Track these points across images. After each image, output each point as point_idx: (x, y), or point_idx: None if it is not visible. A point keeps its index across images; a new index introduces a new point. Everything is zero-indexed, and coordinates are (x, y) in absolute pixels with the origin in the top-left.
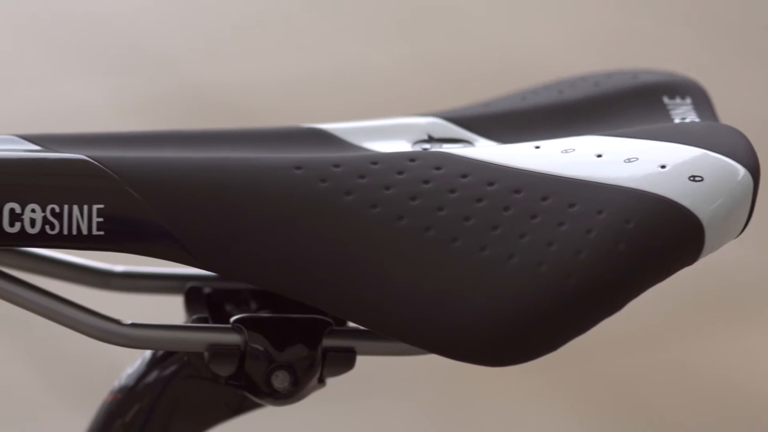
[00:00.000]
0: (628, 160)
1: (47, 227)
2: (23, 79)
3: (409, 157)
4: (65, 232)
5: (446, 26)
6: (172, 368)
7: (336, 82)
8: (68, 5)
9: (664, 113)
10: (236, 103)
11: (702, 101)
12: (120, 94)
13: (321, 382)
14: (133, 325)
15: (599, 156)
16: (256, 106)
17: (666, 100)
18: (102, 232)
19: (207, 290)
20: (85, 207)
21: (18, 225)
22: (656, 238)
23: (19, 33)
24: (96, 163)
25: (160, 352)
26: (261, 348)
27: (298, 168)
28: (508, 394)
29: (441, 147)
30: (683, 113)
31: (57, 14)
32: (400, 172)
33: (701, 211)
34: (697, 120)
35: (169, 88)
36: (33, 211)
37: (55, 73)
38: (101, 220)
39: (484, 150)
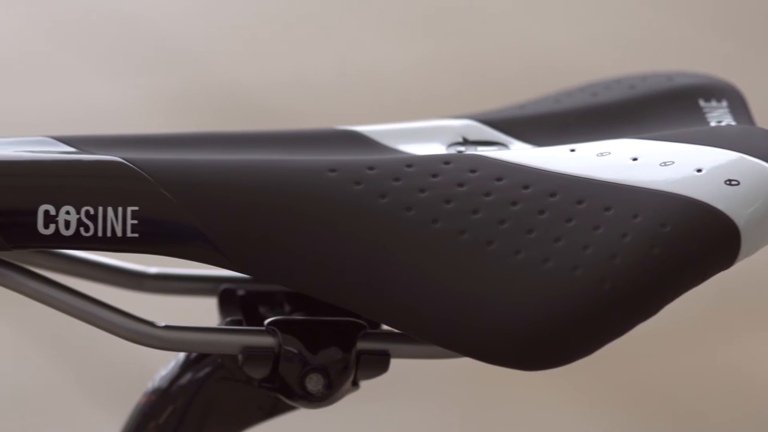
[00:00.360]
0: (664, 164)
1: (82, 229)
2: (54, 79)
3: (444, 159)
4: (100, 234)
5: (473, 26)
6: (206, 370)
7: (363, 83)
8: (99, 5)
9: (700, 116)
10: (264, 103)
11: (738, 104)
12: (150, 94)
13: (355, 384)
14: (167, 327)
15: (635, 159)
16: (285, 106)
17: (702, 103)
18: (136, 234)
19: (241, 292)
20: (120, 209)
21: (52, 227)
22: (692, 243)
23: (51, 33)
24: (130, 165)
25: (194, 354)
26: (295, 351)
27: (333, 170)
28: (534, 395)
29: (476, 150)
30: (719, 116)
31: (88, 15)
32: (435, 175)
33: (737, 215)
34: (733, 123)
35: (200, 88)
36: (68, 213)
37: (86, 73)
38: (135, 222)
39: (519, 153)
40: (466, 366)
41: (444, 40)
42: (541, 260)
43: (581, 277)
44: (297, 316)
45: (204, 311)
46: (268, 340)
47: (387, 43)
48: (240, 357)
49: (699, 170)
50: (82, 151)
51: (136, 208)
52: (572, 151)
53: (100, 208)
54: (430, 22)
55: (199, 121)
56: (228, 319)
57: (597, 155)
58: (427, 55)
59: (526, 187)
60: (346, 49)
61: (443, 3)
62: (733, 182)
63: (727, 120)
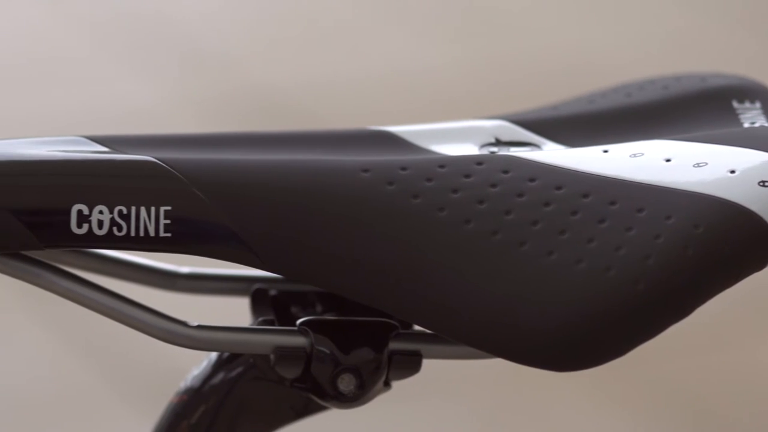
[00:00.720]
0: (697, 165)
1: (115, 229)
2: (88, 79)
3: (477, 160)
4: (132, 233)
5: (505, 27)
6: (238, 370)
7: (394, 84)
8: (132, 5)
9: (734, 117)
10: (297, 104)
11: None
12: (183, 94)
13: (387, 385)
14: (200, 327)
15: (668, 160)
16: (318, 106)
17: (735, 104)
18: (169, 234)
19: (273, 292)
20: (153, 209)
21: (86, 226)
22: (725, 244)
23: (84, 33)
24: (163, 164)
25: (226, 354)
26: (327, 351)
27: (366, 171)
28: (566, 396)
29: (508, 150)
30: (753, 117)
31: (121, 15)
32: (468, 176)
33: None
34: (766, 124)
35: (233, 88)
36: (101, 212)
37: (119, 73)
38: (168, 221)
39: (552, 153)
40: (495, 365)
41: (476, 40)
42: (573, 261)
43: (614, 278)
44: (329, 317)
45: (236, 311)
46: (300, 340)
47: (419, 44)
48: (272, 357)
49: (732, 171)
50: (115, 150)
51: (168, 207)
52: (605, 152)
53: (133, 208)
54: (461, 22)
55: (232, 122)
56: (260, 319)
57: (630, 156)
58: (459, 56)
59: (558, 188)
60: (377, 49)
61: (475, 3)
62: (766, 183)
63: (761, 121)
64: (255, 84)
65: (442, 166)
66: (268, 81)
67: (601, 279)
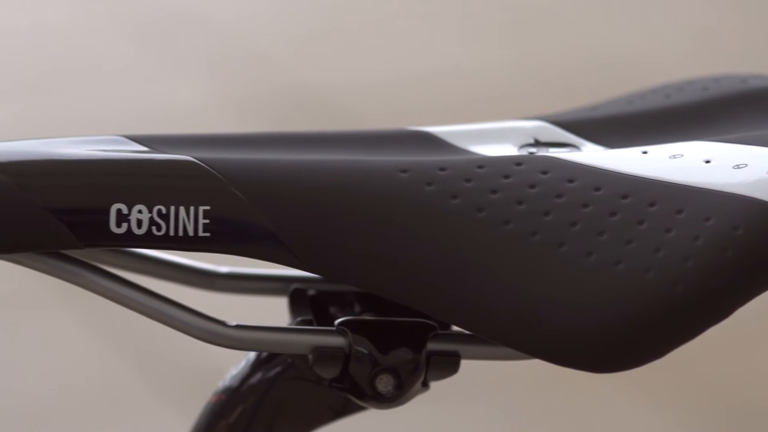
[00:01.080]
0: (737, 167)
1: (154, 228)
2: (127, 79)
3: (516, 161)
4: (171, 233)
5: (545, 28)
6: (277, 370)
7: (435, 84)
8: (172, 6)
9: None
10: (337, 104)
11: None
12: (222, 94)
13: (425, 385)
14: (238, 327)
15: (707, 162)
16: (357, 106)
17: None
18: (208, 234)
19: (311, 292)
20: (192, 208)
21: (125, 226)
22: (765, 246)
23: (123, 33)
24: (202, 164)
25: (265, 354)
26: (365, 351)
27: (404, 171)
28: (603, 397)
29: (547, 151)
30: None
31: (160, 14)
32: (507, 176)
33: None
34: None
35: (271, 88)
36: (140, 212)
37: (158, 73)
38: (207, 221)
39: (591, 155)
40: (532, 366)
41: (514, 40)
42: (612, 262)
43: (653, 280)
44: (367, 317)
45: (273, 311)
46: (338, 341)
47: (459, 45)
48: (310, 357)
49: None
50: (154, 150)
51: (207, 207)
52: (644, 153)
53: (172, 208)
54: (499, 21)
55: (270, 121)
56: (298, 319)
57: (669, 157)
58: (497, 56)
59: (597, 189)
60: (418, 50)
61: (516, 4)
62: None
63: None
64: (293, 83)
65: (480, 167)
66: (307, 80)
67: (639, 280)
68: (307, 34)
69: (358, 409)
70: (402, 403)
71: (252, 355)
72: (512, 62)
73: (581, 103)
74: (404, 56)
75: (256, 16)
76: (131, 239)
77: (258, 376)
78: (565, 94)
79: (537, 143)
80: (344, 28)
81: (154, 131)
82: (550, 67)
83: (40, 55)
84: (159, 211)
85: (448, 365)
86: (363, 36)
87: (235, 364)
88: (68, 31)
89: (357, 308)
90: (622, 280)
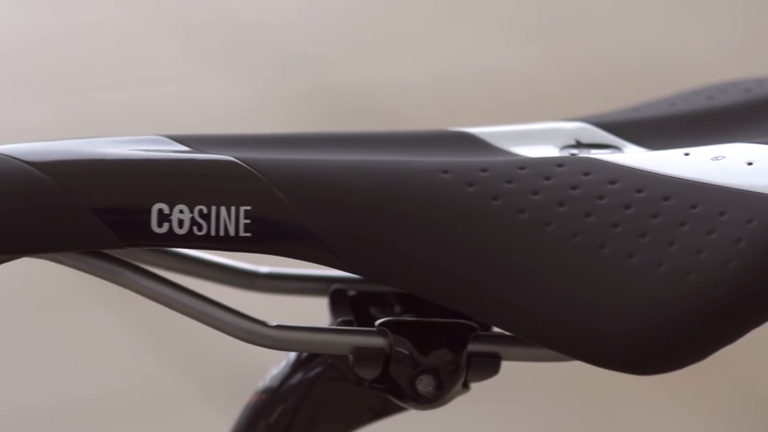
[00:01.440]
0: None
1: (195, 228)
2: (172, 79)
3: (557, 162)
4: (213, 233)
5: (585, 28)
6: (317, 370)
7: (476, 84)
8: (218, 6)
9: None
10: (380, 104)
11: None
12: (265, 95)
13: (465, 386)
14: (279, 327)
15: (750, 164)
16: (399, 106)
17: None
18: (249, 234)
19: (352, 293)
20: (233, 208)
21: (166, 225)
22: None
23: (170, 34)
24: (244, 164)
25: (305, 354)
26: (406, 352)
27: (446, 172)
28: (642, 399)
29: (589, 152)
30: None
31: (204, 16)
32: (548, 178)
33: None
34: None
35: (314, 89)
36: (181, 211)
37: (202, 73)
38: (248, 221)
39: (633, 156)
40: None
41: (556, 41)
42: (654, 264)
43: (695, 282)
44: (408, 318)
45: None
46: (379, 341)
47: (501, 45)
48: (351, 357)
49: None
50: (195, 150)
51: (249, 207)
52: (686, 154)
53: (213, 208)
54: (542, 23)
55: (311, 122)
56: (339, 319)
57: (711, 159)
58: (539, 56)
59: (639, 191)
60: (458, 50)
61: (557, 4)
62: None
63: None
64: (337, 84)
65: (522, 168)
66: (351, 81)
67: (681, 282)
68: (348, 35)
69: (398, 409)
70: (442, 404)
71: (292, 355)
72: (554, 62)
73: (623, 104)
74: (445, 56)
75: (297, 17)
76: (172, 239)
77: (298, 376)
78: (606, 95)
79: (578, 144)
80: (387, 29)
81: (195, 131)
82: (591, 68)
83: (86, 54)
84: (200, 211)
85: (488, 366)
86: (405, 36)
87: (275, 364)
88: (116, 31)
89: (397, 309)
90: (664, 282)
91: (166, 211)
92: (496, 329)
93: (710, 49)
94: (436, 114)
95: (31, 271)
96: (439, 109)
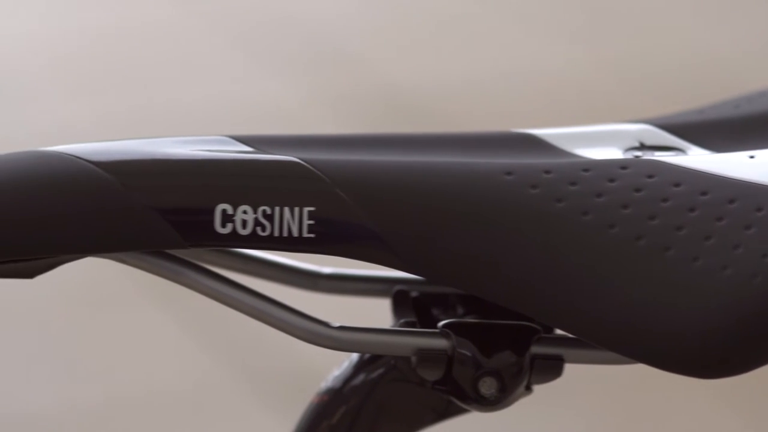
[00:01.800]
0: None
1: (258, 229)
2: (225, 79)
3: (621, 164)
4: (276, 234)
5: (629, 28)
6: (379, 371)
7: (520, 84)
8: (266, 7)
9: None
10: (432, 105)
11: None
12: (318, 94)
13: (528, 389)
14: (341, 328)
15: None
16: (451, 107)
17: None
18: (312, 235)
19: (414, 294)
20: (296, 209)
21: (230, 226)
22: None
23: (222, 35)
24: (307, 165)
25: (367, 355)
26: (469, 354)
27: (509, 174)
28: (692, 402)
29: (653, 155)
30: None
31: (258, 16)
32: (612, 180)
33: None
34: None
35: (368, 89)
36: (245, 212)
37: (255, 73)
38: (312, 222)
39: (697, 158)
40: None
41: (600, 41)
42: (719, 267)
43: (761, 285)
44: (471, 319)
45: (364, 312)
46: (441, 343)
47: (544, 45)
48: (413, 359)
49: None
50: (259, 150)
51: (312, 208)
52: (751, 157)
53: (277, 208)
54: (586, 23)
55: (369, 123)
56: (401, 320)
57: None
58: (583, 58)
59: (704, 194)
60: (502, 51)
61: (600, 3)
62: None
63: None
64: (389, 85)
65: (586, 170)
66: (402, 82)
67: (747, 286)
68: (403, 37)
69: (460, 411)
70: (505, 406)
71: (355, 356)
72: (597, 62)
73: (668, 103)
74: (489, 57)
75: (352, 19)
76: (236, 239)
77: (361, 377)
78: (651, 95)
79: (642, 147)
80: (435, 30)
81: (253, 131)
82: (635, 68)
83: (141, 53)
84: (264, 211)
85: (551, 369)
86: (457, 38)
87: (337, 365)
88: (170, 31)
89: (460, 310)
90: (729, 285)
91: (230, 211)
92: (558, 331)
93: (759, 48)
94: (488, 115)
95: (89, 270)
96: (484, 110)
